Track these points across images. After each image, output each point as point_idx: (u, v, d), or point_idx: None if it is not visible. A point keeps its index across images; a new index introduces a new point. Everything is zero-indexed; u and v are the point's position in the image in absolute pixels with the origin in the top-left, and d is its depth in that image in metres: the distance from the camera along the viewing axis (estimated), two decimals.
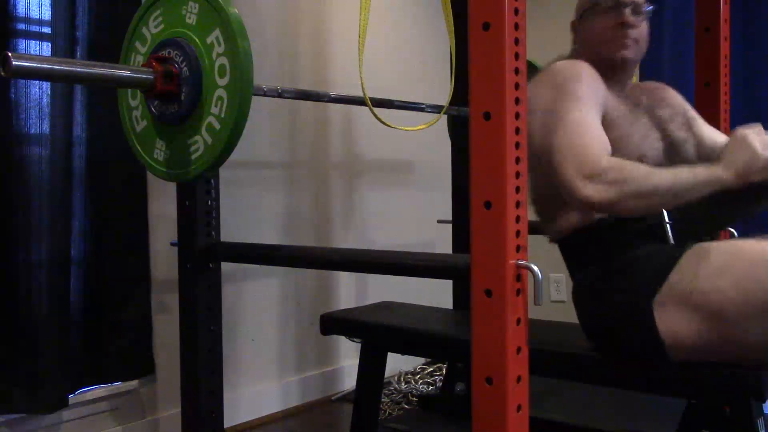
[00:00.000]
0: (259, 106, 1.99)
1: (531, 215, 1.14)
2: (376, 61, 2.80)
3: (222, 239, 1.70)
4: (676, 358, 1.24)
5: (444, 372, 2.60)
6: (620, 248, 1.35)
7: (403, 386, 2.79)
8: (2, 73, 1.13)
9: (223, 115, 1.31)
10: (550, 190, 1.37)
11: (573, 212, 1.40)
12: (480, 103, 1.03)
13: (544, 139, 1.33)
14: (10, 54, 1.12)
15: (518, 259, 1.03)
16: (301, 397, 2.61)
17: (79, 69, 1.31)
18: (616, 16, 1.44)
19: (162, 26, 1.43)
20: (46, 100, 1.83)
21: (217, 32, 1.32)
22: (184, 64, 1.35)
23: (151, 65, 1.36)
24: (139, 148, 1.49)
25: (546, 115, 1.34)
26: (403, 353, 2.02)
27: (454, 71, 1.99)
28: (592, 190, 1.22)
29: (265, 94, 1.63)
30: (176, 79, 1.36)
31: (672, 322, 1.22)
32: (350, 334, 1.82)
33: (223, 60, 1.31)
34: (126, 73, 1.38)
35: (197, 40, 1.35)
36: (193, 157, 1.37)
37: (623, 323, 1.29)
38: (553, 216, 1.44)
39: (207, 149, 1.35)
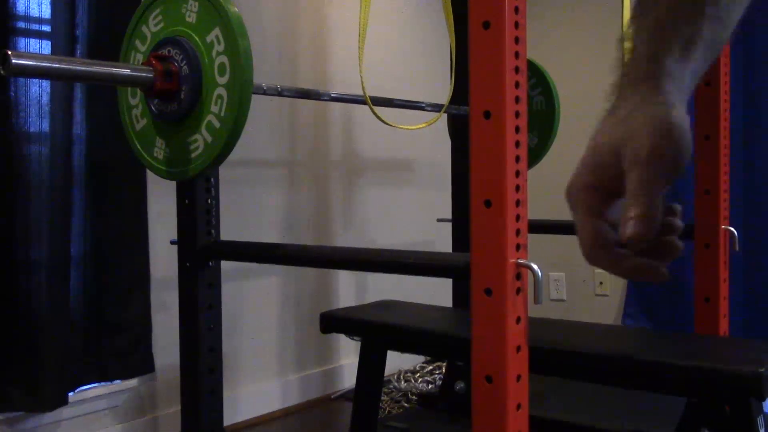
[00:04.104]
0: (259, 105, 1.99)
1: (530, 214, 1.13)
2: (376, 60, 2.79)
3: (222, 238, 1.70)
4: None
5: (444, 370, 2.60)
6: None
7: (403, 385, 2.79)
8: (2, 72, 1.13)
9: (222, 114, 1.31)
10: None
11: None
12: (480, 101, 1.03)
13: None
14: (9, 52, 1.12)
15: (518, 258, 1.03)
16: (300, 395, 2.61)
17: (78, 67, 1.31)
18: None
19: (162, 25, 1.43)
20: (45, 98, 1.83)
21: (217, 31, 1.32)
22: (184, 62, 1.35)
23: (151, 64, 1.36)
24: (138, 146, 1.49)
25: None
26: (402, 352, 2.02)
27: (454, 70, 1.99)
28: None
29: (265, 93, 1.63)
30: (176, 77, 1.36)
31: None
32: (350, 333, 1.81)
33: (223, 58, 1.31)
34: (126, 71, 1.38)
35: (197, 38, 1.35)
36: (193, 155, 1.37)
37: None
38: None
39: (207, 148, 1.35)
